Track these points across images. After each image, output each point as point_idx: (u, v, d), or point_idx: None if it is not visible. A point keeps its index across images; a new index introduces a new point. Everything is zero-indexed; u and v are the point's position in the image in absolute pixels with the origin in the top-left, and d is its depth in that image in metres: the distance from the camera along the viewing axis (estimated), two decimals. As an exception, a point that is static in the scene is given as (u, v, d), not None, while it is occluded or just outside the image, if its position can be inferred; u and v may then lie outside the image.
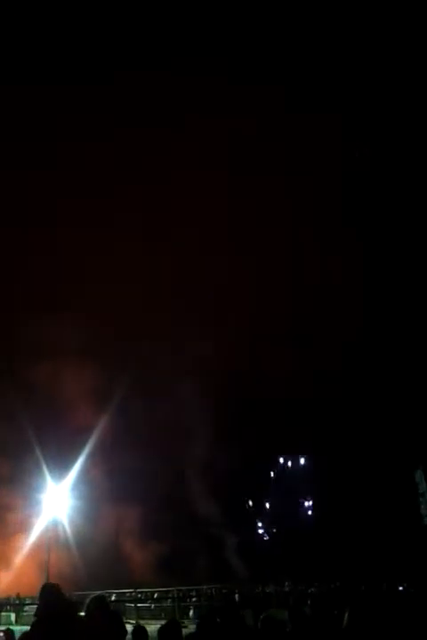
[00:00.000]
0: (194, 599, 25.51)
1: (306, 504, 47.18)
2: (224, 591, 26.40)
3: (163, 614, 22.22)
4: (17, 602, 25.53)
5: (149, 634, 5.61)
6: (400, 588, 23.03)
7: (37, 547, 32.64)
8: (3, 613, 22.60)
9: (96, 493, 34.92)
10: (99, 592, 4.59)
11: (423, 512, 38.01)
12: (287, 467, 50.38)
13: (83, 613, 4.30)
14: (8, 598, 26.24)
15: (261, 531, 46.37)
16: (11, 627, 16.56)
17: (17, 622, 21.50)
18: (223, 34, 35.72)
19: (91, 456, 33.91)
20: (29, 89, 34.34)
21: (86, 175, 36.35)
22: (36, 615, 4.30)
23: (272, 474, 49.48)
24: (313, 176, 37.10)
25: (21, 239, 35.91)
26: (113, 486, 35.57)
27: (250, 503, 46.86)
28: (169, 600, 25.66)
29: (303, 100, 35.74)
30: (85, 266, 36.69)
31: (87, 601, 4.17)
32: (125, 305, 36.11)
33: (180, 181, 37.12)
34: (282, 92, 35.60)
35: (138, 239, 36.85)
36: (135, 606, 23.99)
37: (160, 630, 5.61)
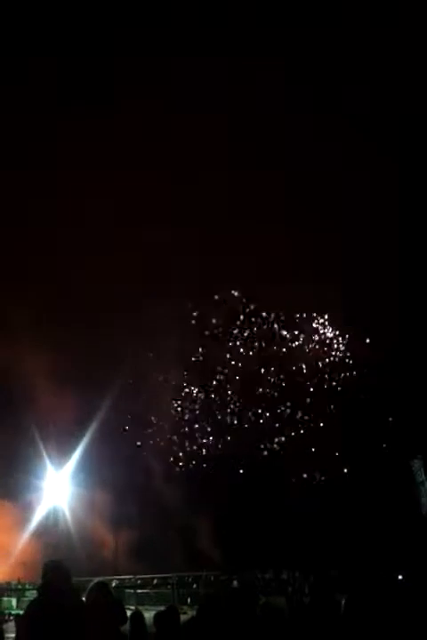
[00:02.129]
0: (194, 586, 25.76)
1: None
2: (223, 578, 26.61)
3: (162, 600, 22.43)
4: (18, 587, 25.79)
5: (148, 619, 5.70)
6: (399, 577, 23.16)
7: (38, 533, 32.93)
8: (4, 598, 22.81)
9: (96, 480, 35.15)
10: (100, 578, 4.62)
11: (423, 501, 38.18)
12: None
13: (84, 598, 4.35)
14: (9, 583, 26.47)
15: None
16: (12, 611, 16.80)
17: (18, 607, 21.71)
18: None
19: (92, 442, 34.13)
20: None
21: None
22: (38, 591, 4.32)
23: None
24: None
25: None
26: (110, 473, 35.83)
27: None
28: (168, 586, 25.91)
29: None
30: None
31: (89, 586, 4.21)
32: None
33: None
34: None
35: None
36: (135, 592, 24.27)
37: (157, 616, 5.69)
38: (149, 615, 5.74)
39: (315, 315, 44.96)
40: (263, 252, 37.35)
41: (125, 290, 36.52)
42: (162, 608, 5.52)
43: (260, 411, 44.93)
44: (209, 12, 35.35)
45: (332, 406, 41.67)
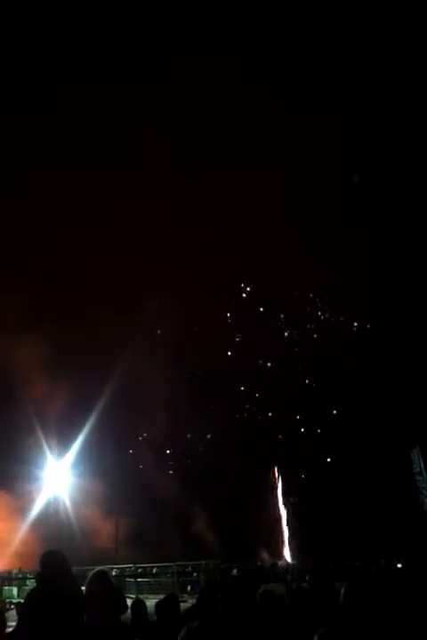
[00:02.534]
0: (194, 574, 25.91)
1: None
2: (223, 566, 26.77)
3: (162, 589, 22.56)
4: (19, 576, 25.93)
5: (148, 608, 5.73)
6: (399, 565, 23.31)
7: (38, 522, 33.09)
8: (5, 587, 22.93)
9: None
10: (100, 567, 4.63)
11: (423, 491, 38.36)
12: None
13: (83, 587, 4.36)
14: (10, 572, 26.61)
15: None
16: (13, 600, 16.86)
17: (19, 596, 21.84)
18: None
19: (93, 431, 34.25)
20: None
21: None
22: (36, 580, 4.33)
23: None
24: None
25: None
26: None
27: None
28: (168, 575, 26.08)
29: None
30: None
31: (89, 575, 4.22)
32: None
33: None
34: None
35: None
36: (135, 581, 24.43)
37: (158, 604, 5.72)
38: (149, 604, 5.77)
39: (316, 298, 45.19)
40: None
41: (127, 283, 36.77)
42: (162, 597, 5.56)
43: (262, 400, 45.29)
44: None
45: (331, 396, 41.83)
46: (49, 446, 33.84)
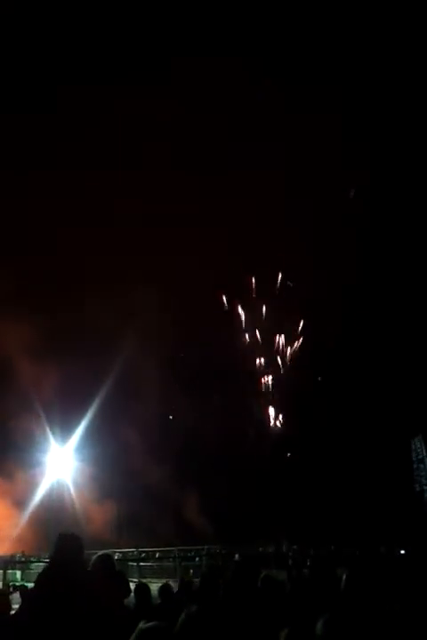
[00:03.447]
0: (196, 559, 26.11)
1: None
2: (224, 551, 26.96)
3: (164, 573, 22.75)
4: (22, 559, 26.17)
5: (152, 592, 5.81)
6: (402, 552, 23.43)
7: (42, 506, 33.39)
8: (9, 571, 23.15)
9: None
10: (104, 551, 4.67)
11: (422, 480, 38.56)
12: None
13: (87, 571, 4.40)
14: (13, 556, 26.87)
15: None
16: (17, 583, 17.03)
17: (23, 579, 22.05)
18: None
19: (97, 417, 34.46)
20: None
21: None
22: (49, 561, 4.30)
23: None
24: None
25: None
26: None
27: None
28: (170, 559, 26.29)
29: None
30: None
31: (93, 558, 4.25)
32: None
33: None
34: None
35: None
36: (138, 565, 24.64)
37: (162, 588, 5.79)
38: (152, 588, 5.84)
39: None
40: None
41: (128, 264, 36.83)
42: (164, 581, 5.62)
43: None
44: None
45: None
46: (52, 431, 34.09)
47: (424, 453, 39.28)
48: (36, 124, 34.27)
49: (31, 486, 34.17)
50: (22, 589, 7.80)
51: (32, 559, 25.59)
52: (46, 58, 35.14)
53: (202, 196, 36.56)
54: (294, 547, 28.60)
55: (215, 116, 36.62)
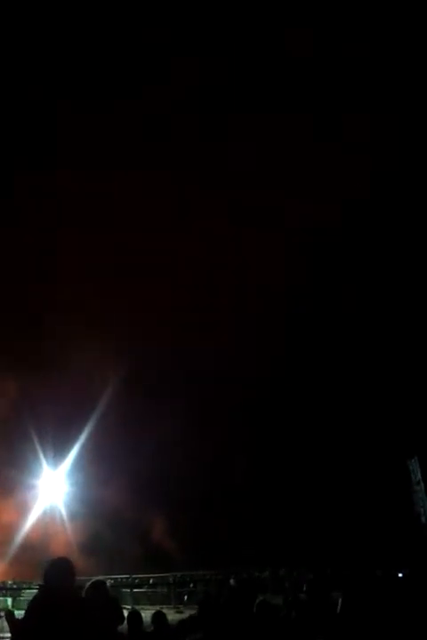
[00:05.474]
0: (191, 585, 25.78)
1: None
2: (219, 577, 26.61)
3: (158, 600, 22.46)
4: (14, 586, 25.76)
5: (144, 619, 5.73)
6: (400, 575, 23.18)
7: (34, 532, 32.87)
8: (-1, 598, 22.80)
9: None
10: (97, 577, 4.61)
11: (420, 502, 38.34)
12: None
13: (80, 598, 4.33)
14: (4, 583, 26.42)
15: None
16: (8, 609, 16.74)
17: (14, 607, 21.68)
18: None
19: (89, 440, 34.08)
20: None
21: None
22: (39, 589, 4.25)
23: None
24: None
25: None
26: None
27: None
28: (165, 586, 25.93)
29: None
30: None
31: (86, 585, 4.20)
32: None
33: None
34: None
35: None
36: (131, 591, 24.29)
37: (155, 615, 5.71)
38: (145, 615, 5.77)
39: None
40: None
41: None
42: (158, 607, 5.56)
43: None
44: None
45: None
46: (45, 455, 33.69)
47: (420, 475, 39.10)
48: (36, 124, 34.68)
49: (23, 511, 33.71)
50: (8, 614, 7.66)
51: (24, 585, 25.18)
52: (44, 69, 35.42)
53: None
54: (294, 573, 28.25)
55: (215, 115, 36.51)
